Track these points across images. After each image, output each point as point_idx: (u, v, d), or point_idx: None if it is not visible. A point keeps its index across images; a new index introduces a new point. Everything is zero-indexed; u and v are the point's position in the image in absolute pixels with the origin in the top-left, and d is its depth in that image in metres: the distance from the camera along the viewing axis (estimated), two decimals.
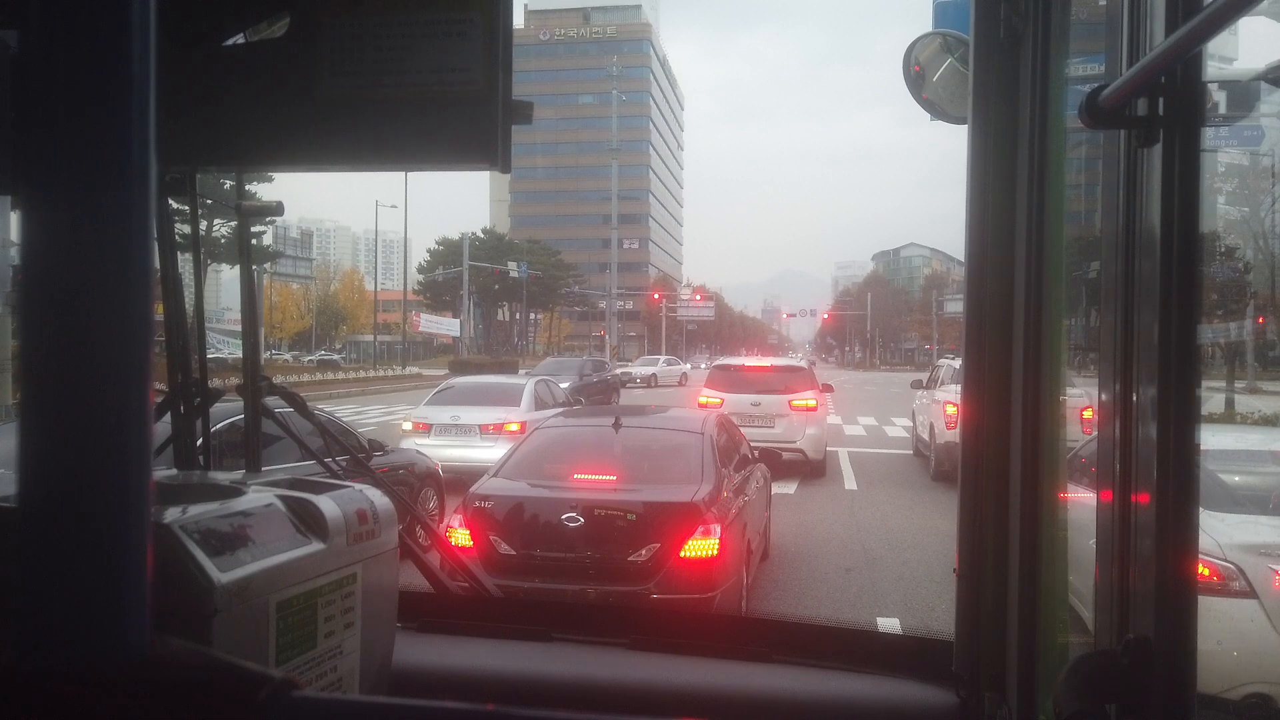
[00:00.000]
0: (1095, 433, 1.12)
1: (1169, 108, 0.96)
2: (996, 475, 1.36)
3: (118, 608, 0.59)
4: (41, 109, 0.59)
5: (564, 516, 5.67)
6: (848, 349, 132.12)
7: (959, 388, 1.46)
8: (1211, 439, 5.98)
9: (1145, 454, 0.99)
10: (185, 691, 0.60)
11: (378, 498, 1.22)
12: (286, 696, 0.58)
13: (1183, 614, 0.96)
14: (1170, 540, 0.96)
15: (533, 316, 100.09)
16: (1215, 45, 0.90)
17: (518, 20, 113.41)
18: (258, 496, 1.08)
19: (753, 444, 8.60)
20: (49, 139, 0.59)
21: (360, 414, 23.17)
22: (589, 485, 6.17)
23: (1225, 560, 4.35)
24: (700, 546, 5.57)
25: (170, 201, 1.65)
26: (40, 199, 0.59)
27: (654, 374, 47.38)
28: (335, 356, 68.74)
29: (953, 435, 11.87)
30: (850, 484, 13.39)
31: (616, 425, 6.85)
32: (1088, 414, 1.18)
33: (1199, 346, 0.98)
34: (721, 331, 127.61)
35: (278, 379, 2.02)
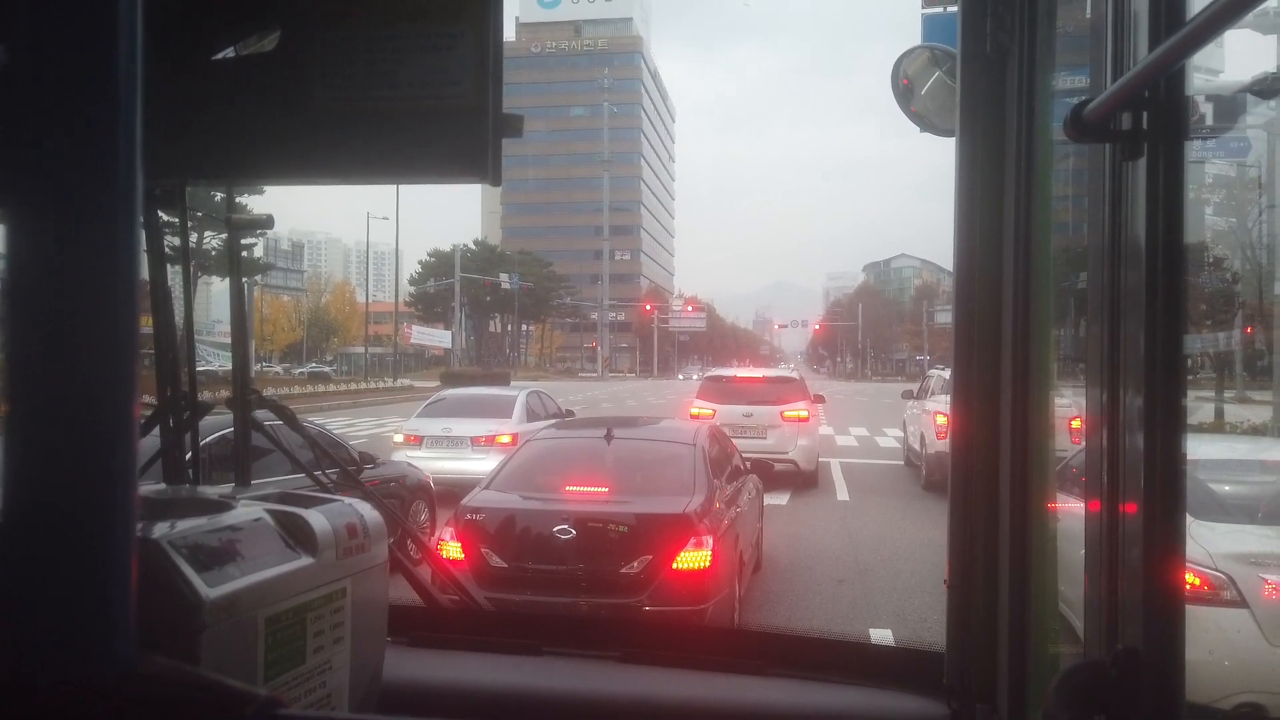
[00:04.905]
0: (1084, 442, 1.13)
1: (1153, 121, 0.97)
2: (987, 485, 1.37)
3: (103, 623, 0.58)
4: (29, 122, 0.59)
5: (556, 529, 5.66)
6: (839, 360, 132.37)
7: (949, 398, 1.47)
8: (1201, 448, 6.00)
9: (1132, 463, 1.00)
10: (170, 709, 0.59)
11: (368, 511, 1.22)
12: (272, 714, 0.58)
13: (1171, 624, 0.96)
14: (1158, 550, 0.96)
15: (525, 328, 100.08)
16: (1202, 58, 0.91)
17: (509, 33, 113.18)
18: (246, 511, 1.08)
19: (745, 455, 8.59)
20: (36, 152, 0.59)
21: (351, 426, 23.09)
22: (581, 497, 6.15)
23: (1216, 570, 4.36)
24: (693, 558, 5.56)
25: (160, 214, 1.64)
26: (26, 211, 0.59)
27: None
28: (326, 369, 68.48)
29: (943, 445, 11.89)
30: (842, 495, 13.39)
31: (608, 437, 6.84)
32: (1076, 424, 1.19)
33: (1185, 356, 0.99)
34: (713, 342, 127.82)
35: (269, 392, 2.01)
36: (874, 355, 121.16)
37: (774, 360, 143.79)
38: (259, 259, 53.23)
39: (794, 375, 16.47)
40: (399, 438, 12.87)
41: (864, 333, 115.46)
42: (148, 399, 1.64)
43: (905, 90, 2.07)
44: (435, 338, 72.72)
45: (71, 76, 0.59)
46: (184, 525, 0.98)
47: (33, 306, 0.58)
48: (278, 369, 64.85)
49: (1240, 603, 4.31)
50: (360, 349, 73.20)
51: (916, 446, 15.01)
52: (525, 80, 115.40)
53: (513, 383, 33.93)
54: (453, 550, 5.75)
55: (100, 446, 0.59)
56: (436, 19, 1.16)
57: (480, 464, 10.69)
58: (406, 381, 52.22)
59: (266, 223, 2.11)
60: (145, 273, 1.60)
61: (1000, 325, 1.34)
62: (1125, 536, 1.01)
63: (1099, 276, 1.07)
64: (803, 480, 13.64)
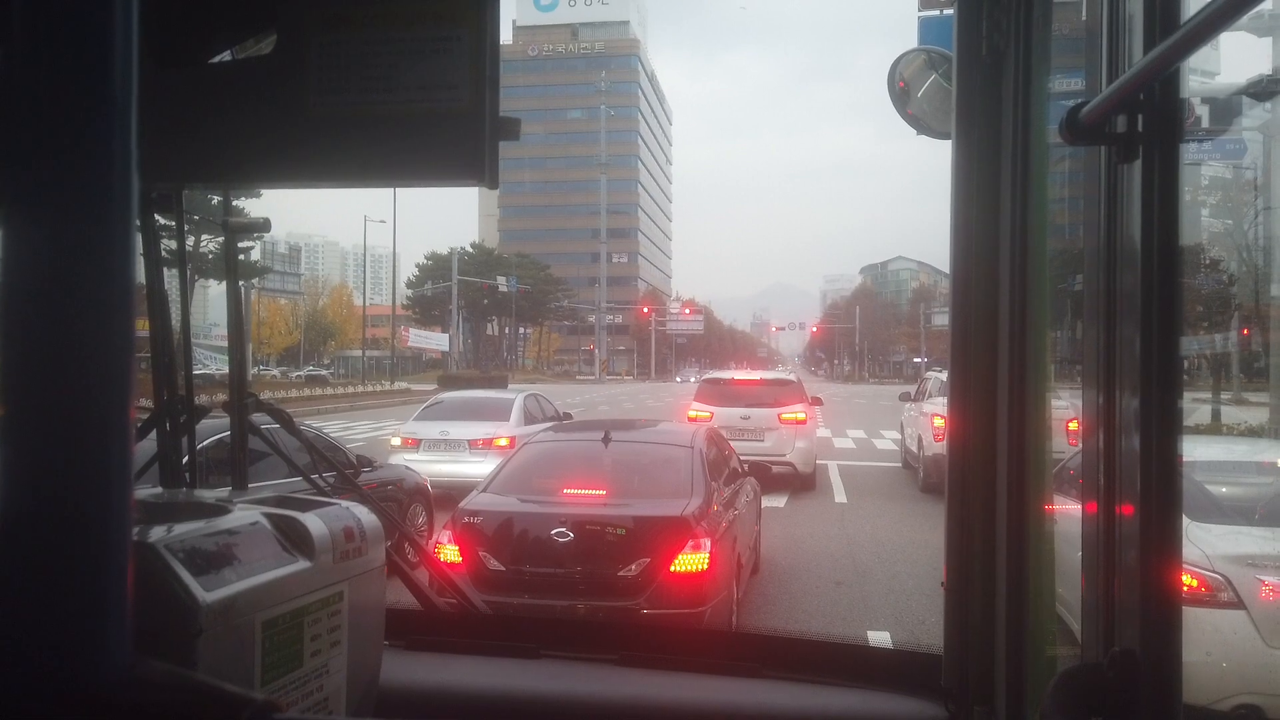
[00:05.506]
0: (1080, 444, 1.13)
1: (1148, 124, 0.98)
2: (983, 487, 1.37)
3: (99, 628, 0.58)
4: (25, 125, 0.59)
5: (553, 531, 5.65)
6: (837, 362, 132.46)
7: (946, 400, 1.47)
8: (1199, 450, 6.01)
9: (1129, 465, 1.00)
10: (166, 713, 0.59)
11: (365, 515, 1.22)
12: (269, 719, 0.57)
13: (1167, 626, 0.97)
14: (1154, 552, 0.96)
15: (522, 331, 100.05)
16: (1198, 60, 0.92)
17: (505, 36, 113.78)
18: (243, 515, 1.08)
19: (742, 457, 8.59)
20: (32, 155, 0.59)
21: (349, 429, 23.07)
22: (578, 500, 6.15)
23: (1213, 571, 4.37)
24: (690, 561, 5.55)
25: (157, 218, 1.64)
26: (22, 215, 0.59)
27: None
28: (323, 372, 68.48)
29: (941, 447, 11.90)
30: (840, 497, 13.39)
31: (606, 440, 6.83)
32: (1073, 425, 1.19)
33: (1181, 358, 0.99)
34: (711, 345, 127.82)
35: (266, 395, 2.01)
36: (871, 357, 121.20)
37: (771, 363, 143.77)
38: (256, 262, 53.14)
39: (791, 377, 16.48)
40: (396, 441, 12.86)
41: (861, 335, 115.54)
42: (144, 402, 1.63)
43: (901, 93, 2.08)
44: (432, 341, 72.71)
45: (68, 80, 0.59)
46: (181, 529, 0.98)
47: (29, 310, 0.58)
48: (275, 372, 64.75)
49: (1237, 604, 4.31)
50: (358, 352, 73.20)
51: (914, 449, 15.01)
52: (522, 83, 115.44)
53: (510, 385, 33.94)
54: (450, 553, 5.74)
55: (96, 450, 0.59)
56: (433, 23, 1.16)
57: (478, 467, 10.69)
58: (404, 384, 52.18)
59: (263, 226, 2.12)
60: (142, 276, 1.60)
61: (997, 327, 1.34)
62: (1122, 538, 1.02)
63: (1095, 279, 1.08)
64: (800, 482, 13.64)
